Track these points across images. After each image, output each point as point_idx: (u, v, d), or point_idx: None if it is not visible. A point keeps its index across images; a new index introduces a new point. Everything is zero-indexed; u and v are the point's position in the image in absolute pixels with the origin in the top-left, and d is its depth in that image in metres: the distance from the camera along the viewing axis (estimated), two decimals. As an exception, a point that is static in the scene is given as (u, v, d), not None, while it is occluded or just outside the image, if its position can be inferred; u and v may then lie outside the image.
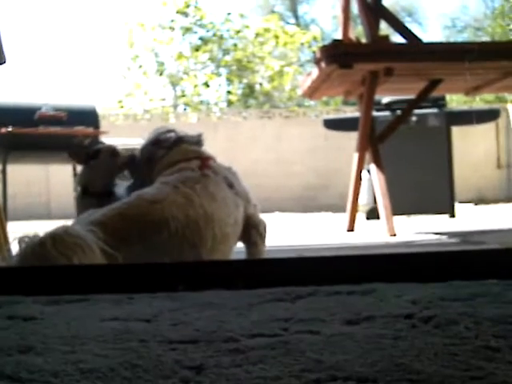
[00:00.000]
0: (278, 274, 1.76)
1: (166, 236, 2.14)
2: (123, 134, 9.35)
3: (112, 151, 2.68)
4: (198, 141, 2.58)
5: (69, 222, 2.56)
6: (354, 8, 5.12)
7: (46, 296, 1.61)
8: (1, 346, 1.10)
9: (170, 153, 2.52)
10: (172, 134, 2.58)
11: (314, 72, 4.62)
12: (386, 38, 4.62)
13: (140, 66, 19.17)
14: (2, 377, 0.93)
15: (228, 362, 0.98)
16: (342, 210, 6.45)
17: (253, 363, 0.97)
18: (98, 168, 2.65)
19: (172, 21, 19.06)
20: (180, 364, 0.98)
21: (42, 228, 1.99)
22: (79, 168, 2.86)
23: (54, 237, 1.91)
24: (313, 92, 5.03)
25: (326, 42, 16.80)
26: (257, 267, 1.87)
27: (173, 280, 1.71)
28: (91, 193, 2.63)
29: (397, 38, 5.02)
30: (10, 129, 6.10)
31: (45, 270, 1.80)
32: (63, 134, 6.26)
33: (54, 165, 8.35)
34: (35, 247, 1.89)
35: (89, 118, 6.73)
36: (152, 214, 2.16)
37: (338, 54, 4.30)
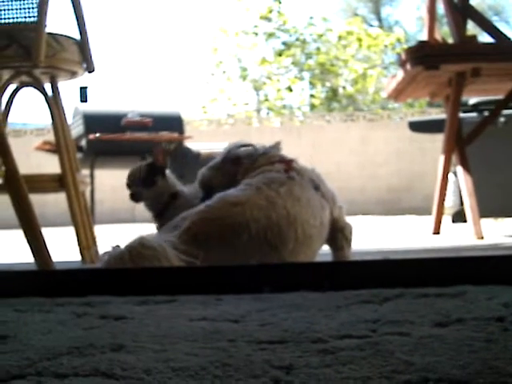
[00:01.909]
0: (364, 276, 1.75)
1: (246, 238, 2.14)
2: (207, 139, 9.48)
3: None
4: (278, 148, 2.56)
5: (151, 226, 2.64)
6: (440, 8, 5.04)
7: (136, 296, 1.65)
8: (94, 344, 1.13)
9: (254, 163, 2.49)
10: (250, 148, 2.55)
11: (399, 74, 4.57)
12: (474, 37, 4.53)
13: (223, 72, 19.37)
14: (97, 373, 0.96)
15: (317, 363, 0.98)
16: (426, 212, 6.36)
17: (342, 364, 0.97)
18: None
19: (255, 26, 19.20)
20: (270, 364, 0.98)
21: (126, 231, 2.06)
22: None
23: (131, 250, 1.99)
24: (398, 94, 4.97)
25: (410, 44, 16.65)
26: (342, 269, 1.86)
27: (259, 282, 1.72)
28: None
29: (484, 38, 4.93)
30: (97, 135, 6.26)
31: (135, 272, 1.85)
32: (149, 140, 6.39)
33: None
34: (116, 260, 1.98)
35: (173, 123, 6.84)
36: (233, 217, 2.16)
37: (423, 56, 4.24)
